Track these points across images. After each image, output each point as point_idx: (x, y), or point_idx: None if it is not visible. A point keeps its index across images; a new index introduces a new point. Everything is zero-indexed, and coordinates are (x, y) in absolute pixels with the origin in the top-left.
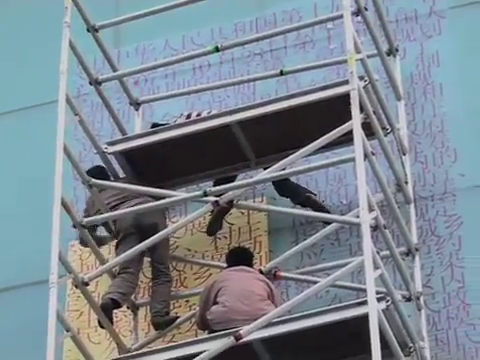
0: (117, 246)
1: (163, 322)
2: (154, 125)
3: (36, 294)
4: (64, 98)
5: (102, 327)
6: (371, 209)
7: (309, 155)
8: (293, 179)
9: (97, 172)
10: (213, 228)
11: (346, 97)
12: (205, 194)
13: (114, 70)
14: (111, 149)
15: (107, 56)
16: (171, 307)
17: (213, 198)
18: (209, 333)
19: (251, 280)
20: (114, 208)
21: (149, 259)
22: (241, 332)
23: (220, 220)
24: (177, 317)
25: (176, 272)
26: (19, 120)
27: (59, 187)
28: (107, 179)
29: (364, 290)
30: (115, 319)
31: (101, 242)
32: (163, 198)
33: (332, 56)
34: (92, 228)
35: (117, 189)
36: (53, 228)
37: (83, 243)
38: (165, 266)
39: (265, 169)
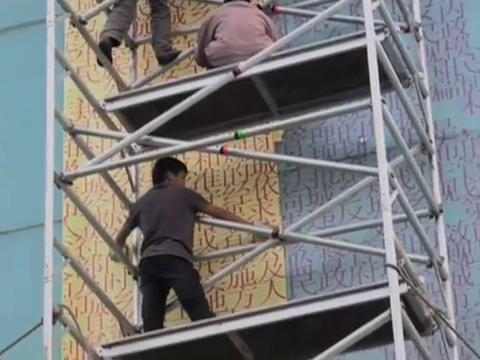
0: None
1: (167, 56)
2: None
3: (34, 35)
4: None
5: (101, 65)
6: None
7: None
8: None
9: None
10: None
11: None
12: None
13: None
14: None
15: None
16: None
17: None
18: (208, 69)
19: (249, 15)
20: None
21: None
22: (239, 67)
23: None
24: (180, 51)
25: (174, 8)
26: None
27: None
28: None
29: (363, 23)
30: (114, 57)
31: None
32: None
33: None
34: None
35: None
36: None
37: None
38: None
39: None
